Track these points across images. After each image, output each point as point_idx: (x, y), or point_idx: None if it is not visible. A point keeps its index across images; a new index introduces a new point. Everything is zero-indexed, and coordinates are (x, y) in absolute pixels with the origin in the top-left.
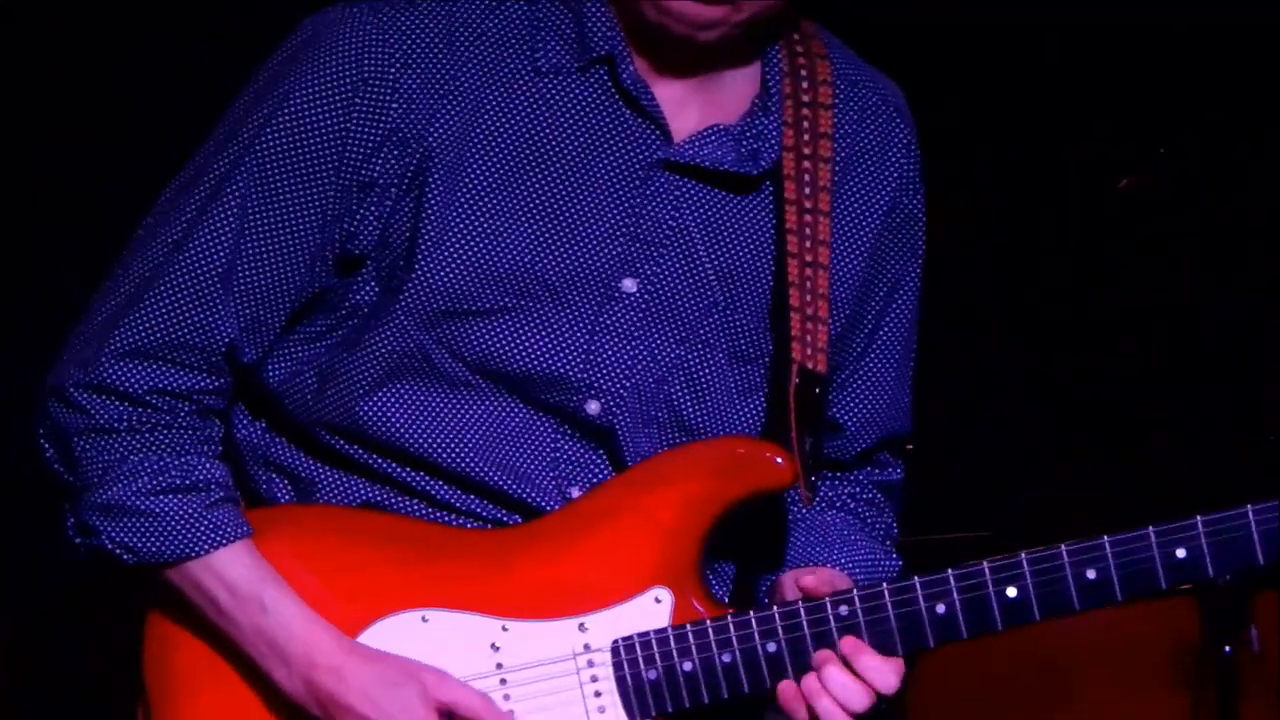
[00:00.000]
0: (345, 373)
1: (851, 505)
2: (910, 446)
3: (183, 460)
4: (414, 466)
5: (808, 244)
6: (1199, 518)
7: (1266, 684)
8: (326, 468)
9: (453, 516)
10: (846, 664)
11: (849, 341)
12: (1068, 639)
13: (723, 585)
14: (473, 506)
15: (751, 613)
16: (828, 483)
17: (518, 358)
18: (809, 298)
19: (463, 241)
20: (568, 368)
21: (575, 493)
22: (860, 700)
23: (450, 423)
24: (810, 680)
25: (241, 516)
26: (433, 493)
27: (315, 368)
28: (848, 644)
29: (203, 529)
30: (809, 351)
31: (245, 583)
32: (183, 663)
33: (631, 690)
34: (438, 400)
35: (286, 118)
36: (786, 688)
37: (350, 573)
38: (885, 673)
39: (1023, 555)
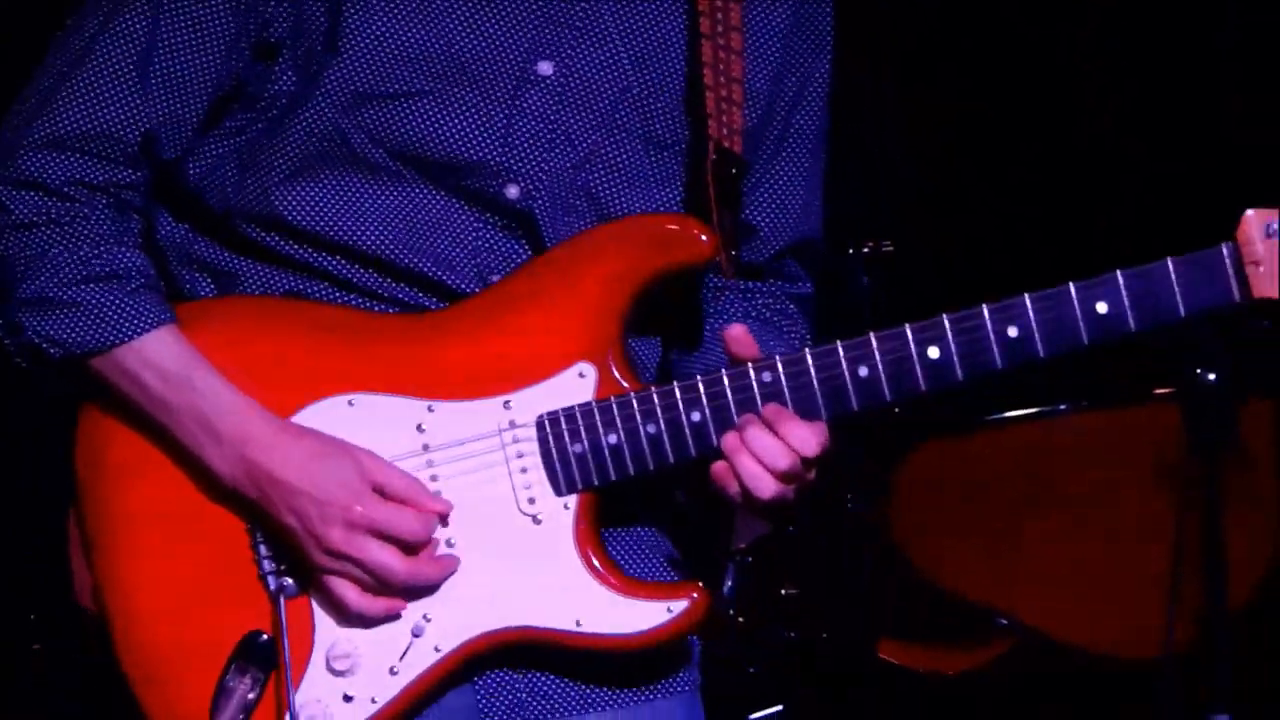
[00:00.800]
0: (265, 161)
1: (766, 315)
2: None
3: (103, 250)
4: (335, 253)
5: (719, 29)
6: (1118, 271)
7: (1248, 489)
8: (248, 260)
9: (374, 303)
10: (769, 427)
11: (761, 139)
12: (1051, 443)
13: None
14: (394, 292)
15: (675, 383)
16: (740, 296)
17: (436, 141)
18: (723, 80)
19: (384, 22)
20: (486, 151)
21: (496, 279)
22: (782, 459)
23: (370, 209)
24: (732, 438)
25: (165, 303)
26: (354, 279)
27: (235, 160)
28: (770, 410)
29: (126, 315)
30: (725, 131)
31: (174, 365)
32: (116, 457)
33: (557, 464)
34: (357, 186)
35: None
36: (717, 465)
37: (275, 361)
38: (807, 437)
39: (944, 316)
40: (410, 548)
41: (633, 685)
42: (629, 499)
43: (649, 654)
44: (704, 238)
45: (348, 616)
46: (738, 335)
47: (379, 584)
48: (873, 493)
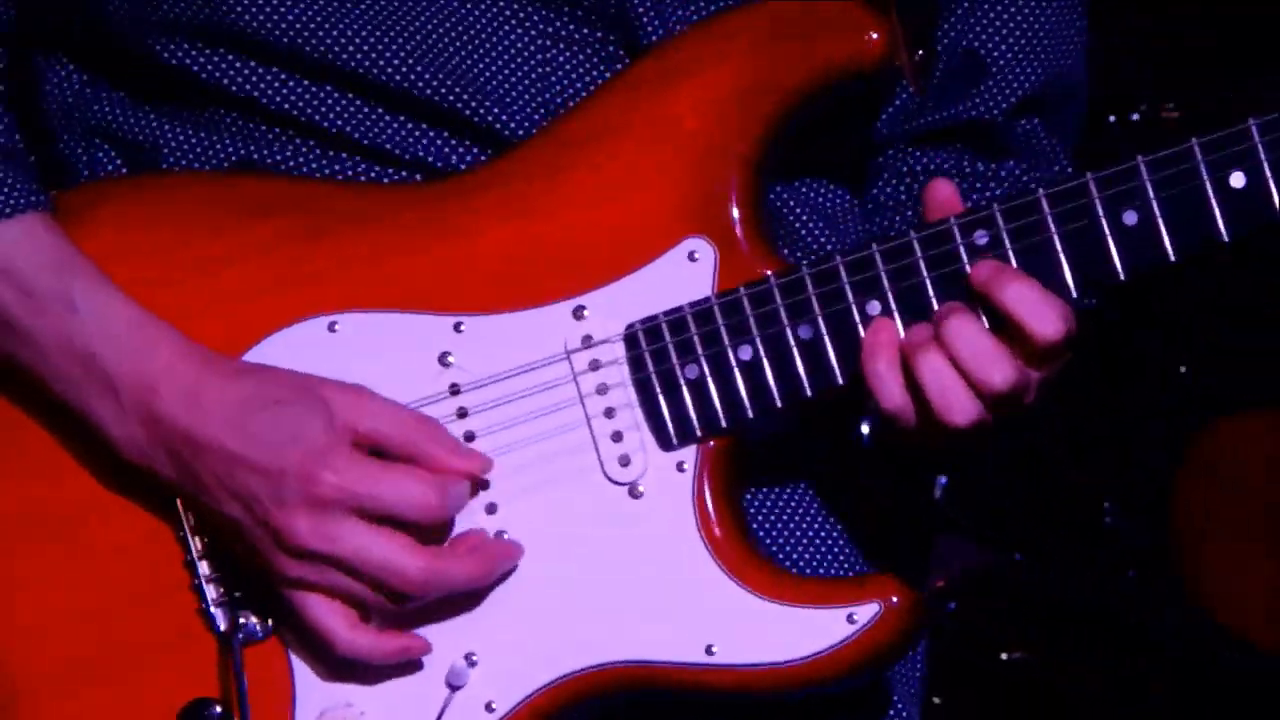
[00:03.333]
0: None
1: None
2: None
3: None
4: (313, 80)
5: None
6: None
7: None
8: (173, 121)
9: (374, 166)
10: (981, 300)
11: None
12: None
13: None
14: (407, 146)
15: (839, 258)
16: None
17: None
18: None
19: None
20: None
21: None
22: (991, 363)
23: (372, 6)
24: (918, 333)
25: (34, 182)
26: (345, 127)
27: None
28: (985, 269)
29: None
30: None
31: (43, 275)
32: None
33: (663, 401)
34: None
35: None
36: (876, 347)
37: (213, 270)
38: (1041, 307)
39: (1250, 122)
40: (427, 534)
41: None
42: (779, 453)
43: (827, 702)
44: (868, 21)
45: (340, 662)
46: (946, 196)
47: (382, 598)
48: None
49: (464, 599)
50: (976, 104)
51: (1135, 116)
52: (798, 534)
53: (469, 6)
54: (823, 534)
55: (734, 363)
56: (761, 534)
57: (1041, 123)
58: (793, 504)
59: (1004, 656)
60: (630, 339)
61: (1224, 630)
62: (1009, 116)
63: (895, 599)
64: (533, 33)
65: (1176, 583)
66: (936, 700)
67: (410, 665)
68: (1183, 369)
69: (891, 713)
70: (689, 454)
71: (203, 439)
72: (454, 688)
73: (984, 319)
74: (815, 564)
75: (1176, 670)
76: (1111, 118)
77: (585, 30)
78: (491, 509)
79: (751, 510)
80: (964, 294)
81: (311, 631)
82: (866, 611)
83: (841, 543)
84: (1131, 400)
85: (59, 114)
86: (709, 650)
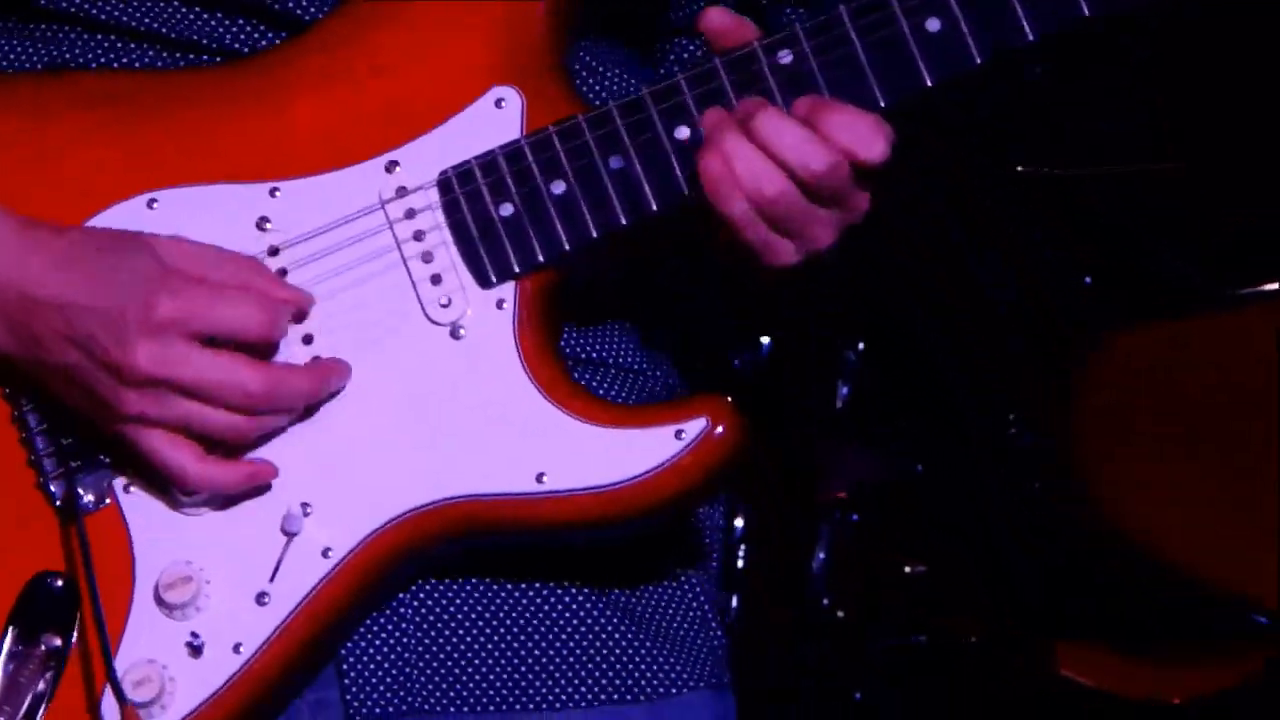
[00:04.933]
0: None
1: None
2: None
3: None
4: None
5: None
6: None
7: None
8: None
9: (175, 55)
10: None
11: None
12: None
13: None
14: (216, 34)
15: (645, 89)
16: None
17: None
18: None
19: None
20: None
21: None
22: (813, 154)
23: None
24: (731, 139)
25: None
26: (153, 25)
27: None
28: (802, 104)
29: None
30: None
31: None
32: None
33: (478, 240)
34: None
35: None
36: (706, 166)
37: (29, 164)
38: (857, 123)
39: None
40: (258, 355)
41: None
42: (597, 289)
43: (658, 546)
44: None
45: (184, 508)
46: (721, 22)
47: (226, 417)
48: (1046, 413)
49: (295, 447)
50: None
51: None
52: (612, 372)
53: None
54: (643, 368)
55: (547, 197)
56: (580, 376)
57: None
58: (610, 340)
59: (906, 570)
60: (444, 184)
61: (1127, 539)
62: None
63: (722, 414)
64: None
65: (1080, 494)
66: (840, 615)
67: (246, 516)
68: (1087, 280)
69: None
70: (508, 291)
71: (37, 294)
72: (290, 534)
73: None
74: (632, 399)
75: (1077, 582)
76: None
77: None
78: (315, 360)
79: (568, 348)
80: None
81: (160, 469)
82: (694, 427)
83: (663, 382)
84: (1035, 311)
85: None
86: (539, 479)
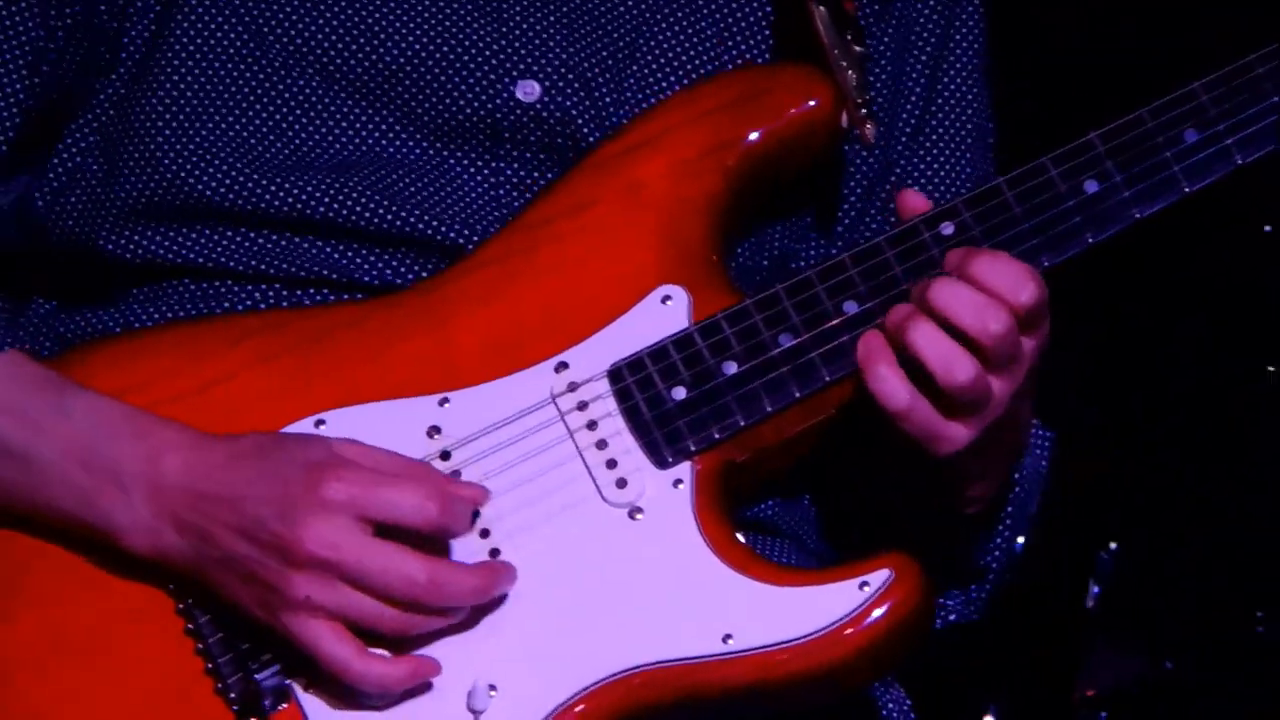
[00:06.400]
0: (141, 119)
1: None
2: None
3: None
4: (261, 228)
5: None
6: None
7: None
8: (134, 306)
9: (333, 294)
10: (957, 273)
11: (896, 113)
12: None
13: None
14: (378, 270)
15: (810, 270)
16: None
17: (393, 35)
18: None
19: None
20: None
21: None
22: (975, 310)
23: (314, 152)
24: (900, 311)
25: (8, 329)
26: (318, 269)
27: (98, 145)
28: (954, 256)
29: None
30: None
31: (32, 392)
32: None
33: (653, 424)
34: (285, 119)
35: None
36: (866, 340)
37: (203, 393)
38: (1013, 273)
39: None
40: (427, 547)
41: None
42: (770, 464)
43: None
44: (814, 78)
45: (357, 699)
46: (916, 202)
47: (389, 610)
48: None
49: (477, 628)
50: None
51: None
52: (789, 544)
53: (416, 155)
54: (809, 543)
55: (720, 378)
56: (757, 545)
57: None
58: (780, 514)
59: None
60: (614, 374)
61: None
62: None
63: (906, 569)
64: (485, 170)
65: None
66: None
67: (430, 703)
68: None
69: None
70: (684, 471)
71: (207, 489)
72: (476, 713)
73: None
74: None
75: None
76: None
77: (540, 157)
78: (494, 553)
79: (747, 516)
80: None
81: (324, 664)
82: (878, 578)
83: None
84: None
85: (37, 336)
86: (725, 639)
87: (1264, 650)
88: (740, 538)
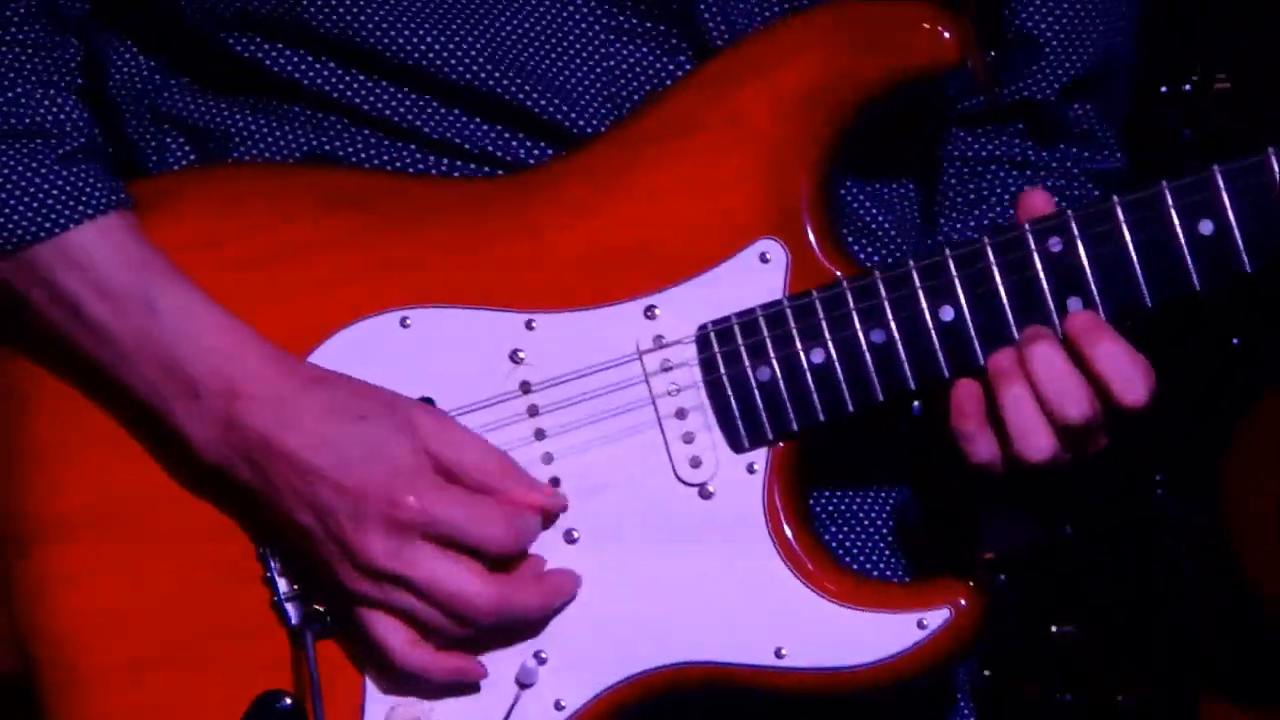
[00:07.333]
0: None
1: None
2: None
3: (19, 91)
4: (388, 77)
5: None
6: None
7: None
8: (243, 110)
9: (444, 159)
10: (1071, 347)
11: None
12: None
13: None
14: (478, 140)
15: (911, 263)
16: (1006, 171)
17: None
18: None
19: None
20: None
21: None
22: (1076, 400)
23: (446, 7)
24: (1003, 359)
25: (113, 178)
26: (415, 122)
27: None
28: (1080, 321)
29: (53, 192)
30: None
31: (124, 275)
32: (32, 429)
33: (734, 403)
34: None
35: None
36: (960, 391)
37: (285, 262)
38: (1128, 369)
39: None
40: (495, 562)
41: None
42: (846, 454)
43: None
44: (943, 31)
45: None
46: (1038, 204)
47: (447, 623)
48: (1198, 478)
49: (524, 618)
50: (1029, 85)
51: (1187, 87)
52: (863, 535)
53: (534, 3)
54: (886, 534)
55: (806, 366)
56: (826, 536)
57: (1094, 108)
58: (856, 504)
59: (1053, 629)
60: (702, 340)
61: (1273, 605)
62: (1061, 98)
63: (964, 603)
64: (596, 28)
65: (1226, 559)
66: (986, 673)
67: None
68: (1235, 341)
69: (954, 711)
70: (759, 456)
71: (283, 448)
72: (524, 686)
73: (1066, 352)
74: (880, 566)
75: (1225, 648)
76: (1164, 88)
77: (649, 24)
78: (564, 511)
79: (816, 510)
80: (1037, 305)
81: (372, 642)
82: (937, 617)
83: (904, 545)
84: (1183, 374)
85: (127, 99)
86: (778, 653)
87: (1161, 516)
88: (805, 533)
